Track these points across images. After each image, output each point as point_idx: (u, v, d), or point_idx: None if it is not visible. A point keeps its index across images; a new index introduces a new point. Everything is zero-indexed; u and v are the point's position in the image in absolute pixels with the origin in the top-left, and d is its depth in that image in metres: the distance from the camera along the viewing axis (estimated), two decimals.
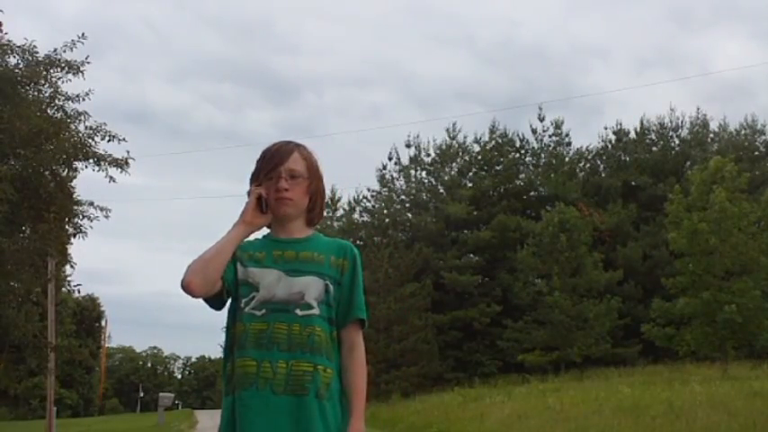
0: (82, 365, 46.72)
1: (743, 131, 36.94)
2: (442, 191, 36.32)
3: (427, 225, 34.15)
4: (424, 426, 17.00)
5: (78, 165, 12.95)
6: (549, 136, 36.99)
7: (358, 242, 31.41)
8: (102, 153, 12.73)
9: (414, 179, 37.03)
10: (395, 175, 37.07)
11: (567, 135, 36.96)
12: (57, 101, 12.71)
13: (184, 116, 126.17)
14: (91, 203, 13.60)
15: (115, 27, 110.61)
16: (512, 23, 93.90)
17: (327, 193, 2.60)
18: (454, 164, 36.95)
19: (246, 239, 2.41)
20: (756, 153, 35.88)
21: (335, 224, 34.97)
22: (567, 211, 28.33)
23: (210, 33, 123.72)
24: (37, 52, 12.46)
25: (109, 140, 12.76)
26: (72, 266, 15.32)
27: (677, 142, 37.21)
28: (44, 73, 12.46)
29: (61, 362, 21.40)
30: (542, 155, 37.00)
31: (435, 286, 31.73)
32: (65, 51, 12.53)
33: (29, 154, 11.97)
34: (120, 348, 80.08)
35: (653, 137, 37.34)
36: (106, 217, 13.62)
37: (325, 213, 3.21)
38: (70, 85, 12.74)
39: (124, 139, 12.83)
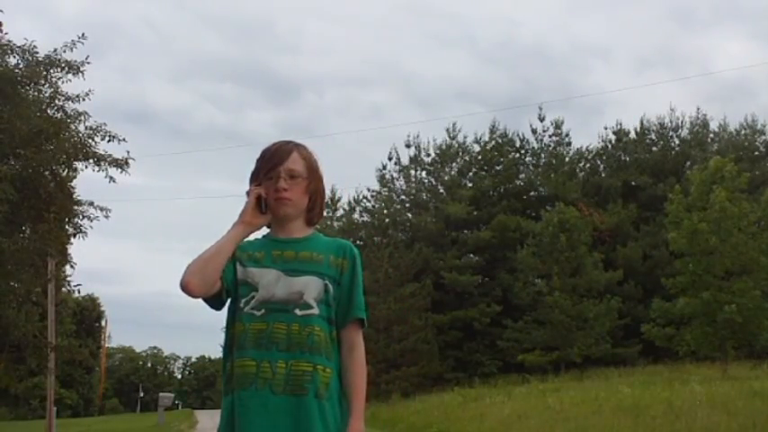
0: (82, 365, 46.67)
1: (743, 131, 36.97)
2: (442, 191, 36.33)
3: (427, 225, 34.15)
4: (424, 426, 17.00)
5: (78, 165, 12.96)
6: (549, 136, 37.06)
7: (358, 242, 31.40)
8: (102, 153, 12.74)
9: (414, 179, 37.05)
10: (395, 175, 37.15)
11: (567, 135, 37.05)
12: (57, 101, 12.70)
13: (185, 116, 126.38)
14: (91, 203, 13.60)
15: (115, 27, 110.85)
16: (512, 23, 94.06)
17: (327, 193, 2.60)
18: (454, 164, 36.96)
19: (246, 239, 2.41)
20: (756, 153, 35.90)
21: (335, 224, 34.97)
22: (567, 211, 28.33)
23: (211, 33, 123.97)
24: (37, 52, 12.46)
25: (109, 140, 12.77)
26: (72, 266, 15.31)
27: (677, 142, 37.24)
28: (44, 73, 12.45)
29: (61, 362, 21.35)
30: (542, 155, 37.02)
31: (435, 286, 31.73)
32: (65, 51, 12.53)
33: (29, 154, 11.96)
34: (120, 348, 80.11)
35: (653, 137, 37.36)
36: (106, 217, 13.63)
37: (325, 213, 3.21)
38: (70, 85, 12.75)
39: (124, 140, 12.84)
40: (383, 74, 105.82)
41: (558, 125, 36.82)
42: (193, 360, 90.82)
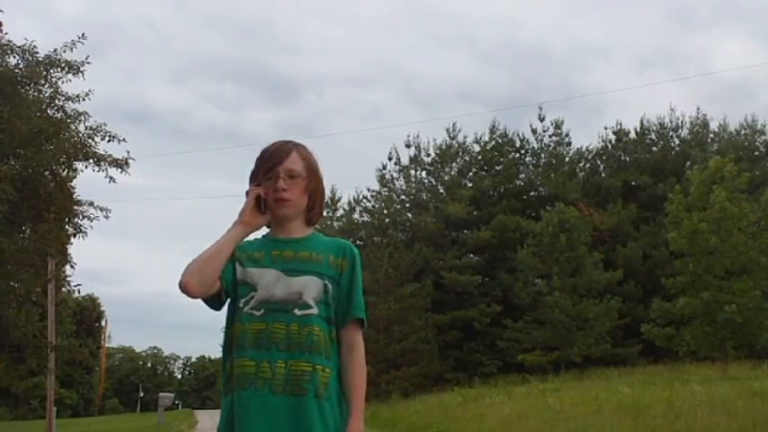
0: (82, 365, 46.65)
1: (743, 131, 36.97)
2: (442, 191, 36.33)
3: (427, 225, 34.15)
4: (424, 426, 17.00)
5: (78, 165, 12.97)
6: (550, 136, 37.07)
7: (358, 242, 31.41)
8: (103, 153, 12.75)
9: (414, 179, 37.05)
10: (395, 175, 37.16)
11: (567, 135, 37.07)
12: (57, 101, 12.70)
13: (185, 116, 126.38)
14: (91, 203, 13.60)
15: (115, 27, 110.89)
16: (512, 23, 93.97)
17: (327, 193, 2.60)
18: (454, 164, 36.96)
19: (245, 239, 2.41)
20: (756, 153, 35.90)
21: (335, 224, 34.98)
22: (567, 211, 28.34)
23: (211, 33, 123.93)
24: (37, 52, 12.46)
25: (109, 140, 12.77)
26: (72, 266, 15.31)
27: (677, 142, 37.25)
28: (44, 73, 12.46)
29: (61, 362, 21.33)
30: (542, 155, 37.03)
31: (435, 286, 31.74)
32: (65, 51, 12.54)
33: (29, 154, 11.95)
34: (120, 348, 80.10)
35: (653, 137, 37.37)
36: (106, 217, 13.64)
37: (325, 213, 3.21)
38: (70, 85, 12.76)
39: (124, 140, 12.85)
40: (383, 74, 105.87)
41: (558, 125, 36.86)
42: (193, 360, 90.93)
